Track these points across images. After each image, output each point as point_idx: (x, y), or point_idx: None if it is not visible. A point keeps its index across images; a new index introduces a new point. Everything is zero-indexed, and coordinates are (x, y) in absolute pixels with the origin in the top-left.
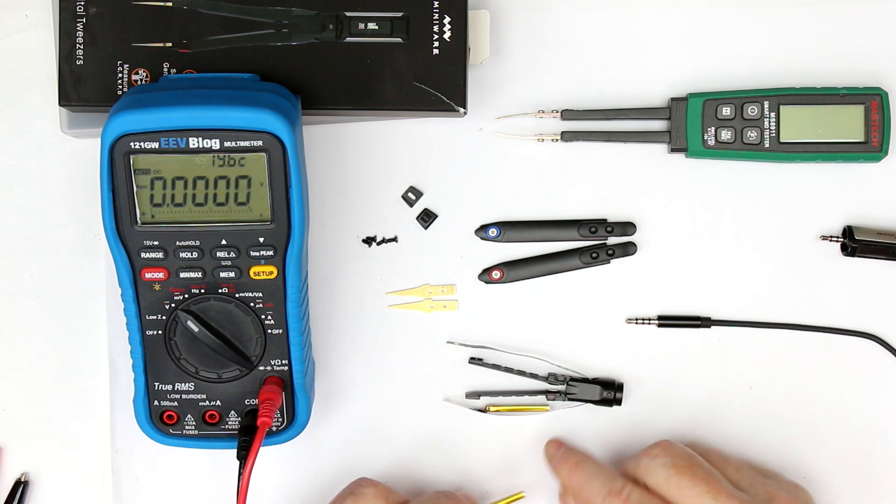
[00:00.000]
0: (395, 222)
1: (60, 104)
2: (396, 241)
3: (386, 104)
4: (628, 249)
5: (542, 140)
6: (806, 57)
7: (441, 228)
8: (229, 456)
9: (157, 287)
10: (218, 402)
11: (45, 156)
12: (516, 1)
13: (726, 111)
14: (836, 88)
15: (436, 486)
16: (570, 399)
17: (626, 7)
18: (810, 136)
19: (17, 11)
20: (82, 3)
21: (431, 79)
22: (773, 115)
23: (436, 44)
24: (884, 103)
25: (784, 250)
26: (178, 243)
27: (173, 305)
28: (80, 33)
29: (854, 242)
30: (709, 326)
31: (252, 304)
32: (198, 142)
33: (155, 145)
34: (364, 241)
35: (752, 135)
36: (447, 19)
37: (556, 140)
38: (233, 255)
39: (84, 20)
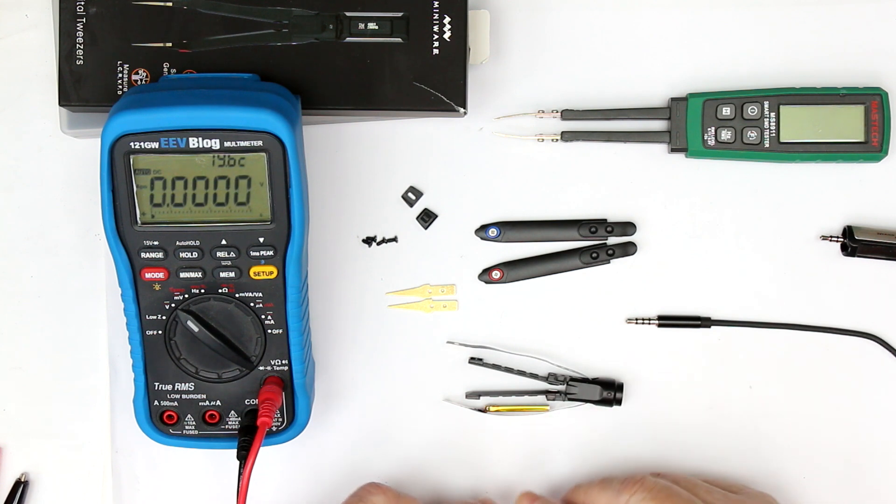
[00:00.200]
0: (395, 222)
1: (60, 104)
2: (396, 241)
3: (386, 104)
4: (628, 249)
5: (542, 140)
6: (806, 57)
7: (441, 228)
8: (229, 456)
9: (157, 287)
10: (218, 402)
11: (45, 156)
12: (516, 1)
13: (726, 111)
14: (836, 88)
15: (436, 487)
16: (570, 399)
17: (626, 7)
18: (810, 136)
19: (17, 11)
20: (82, 3)
21: (431, 79)
22: (773, 115)
23: (436, 44)
24: (884, 103)
25: (784, 250)
26: (178, 243)
27: (173, 305)
28: (80, 33)
29: (854, 242)
30: (709, 326)
31: (252, 304)
32: (198, 142)
33: (155, 145)
34: (364, 241)
35: (752, 135)
36: (447, 19)
37: (556, 140)
38: (233, 255)
39: (84, 20)
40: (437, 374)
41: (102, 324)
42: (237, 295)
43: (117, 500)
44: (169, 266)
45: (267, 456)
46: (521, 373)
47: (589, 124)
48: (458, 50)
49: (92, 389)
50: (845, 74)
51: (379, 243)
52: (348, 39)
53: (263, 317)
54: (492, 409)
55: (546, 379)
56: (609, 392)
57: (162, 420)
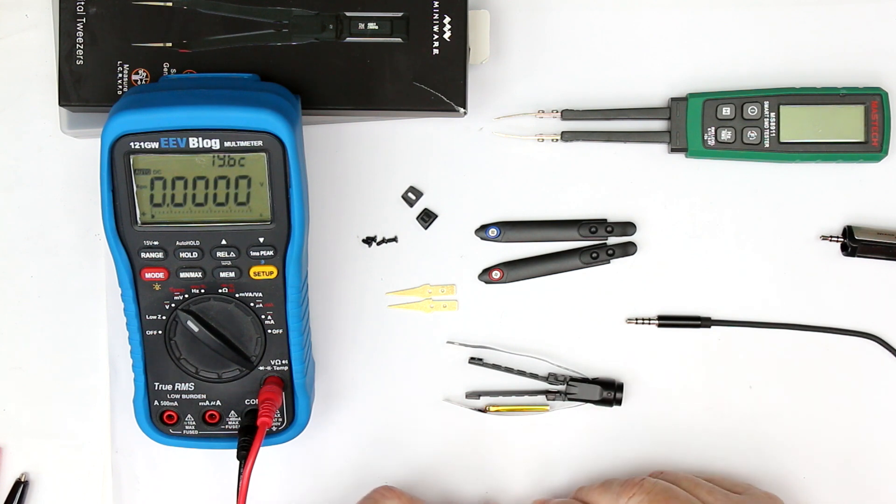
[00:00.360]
0: (395, 222)
1: (60, 104)
2: (396, 241)
3: (386, 104)
4: (628, 249)
5: (542, 140)
6: (806, 57)
7: (441, 228)
8: (229, 456)
9: (157, 287)
10: (218, 402)
11: (45, 156)
12: (516, 1)
13: (726, 111)
14: (836, 88)
15: (436, 487)
16: (570, 399)
17: (626, 7)
18: (810, 136)
19: (17, 11)
20: (82, 3)
21: (431, 79)
22: (773, 115)
23: (436, 44)
24: (884, 103)
25: (784, 250)
26: (178, 243)
27: (173, 305)
28: (80, 33)
29: (854, 242)
30: (709, 326)
31: (252, 304)
32: (198, 142)
33: (155, 145)
34: (364, 241)
35: (752, 135)
36: (447, 19)
37: (556, 140)
38: (233, 255)
39: (84, 20)
40: (437, 374)
41: (102, 324)
42: (237, 295)
43: (117, 500)
44: (169, 266)
45: (267, 456)
46: (521, 373)
47: (589, 124)
48: (458, 50)
49: (92, 389)
50: (845, 74)
51: (379, 243)
52: (348, 39)
53: (263, 317)
54: (492, 409)
55: (546, 379)
56: (609, 392)
57: (162, 420)
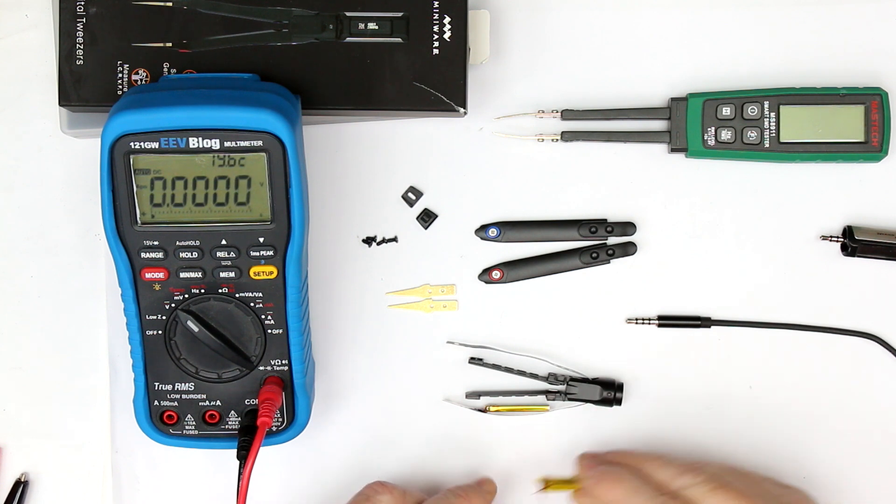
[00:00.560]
0: (395, 222)
1: (60, 104)
2: (396, 241)
3: (386, 104)
4: (628, 249)
5: (542, 140)
6: (806, 57)
7: (441, 228)
8: (229, 456)
9: (157, 287)
10: (218, 402)
11: (45, 156)
12: (516, 1)
13: (726, 111)
14: (836, 88)
15: (436, 487)
16: (570, 399)
17: (626, 7)
18: (810, 136)
19: (17, 11)
20: (82, 3)
21: (431, 79)
22: (773, 115)
23: (436, 44)
24: (884, 103)
25: (784, 250)
26: (178, 243)
27: (173, 305)
28: (80, 33)
29: (854, 242)
30: (709, 326)
31: (252, 304)
32: (198, 142)
33: (155, 145)
34: (364, 241)
35: (752, 135)
36: (447, 19)
37: (556, 140)
38: (233, 255)
39: (84, 20)
40: (437, 374)
41: (102, 324)
42: (237, 295)
43: (117, 500)
44: (169, 266)
45: (267, 456)
46: (521, 373)
47: (589, 124)
48: (458, 50)
49: (92, 389)
50: (845, 74)
51: (379, 243)
52: (348, 39)
53: (263, 317)
54: (492, 409)
55: (546, 379)
56: (609, 392)
57: (162, 420)
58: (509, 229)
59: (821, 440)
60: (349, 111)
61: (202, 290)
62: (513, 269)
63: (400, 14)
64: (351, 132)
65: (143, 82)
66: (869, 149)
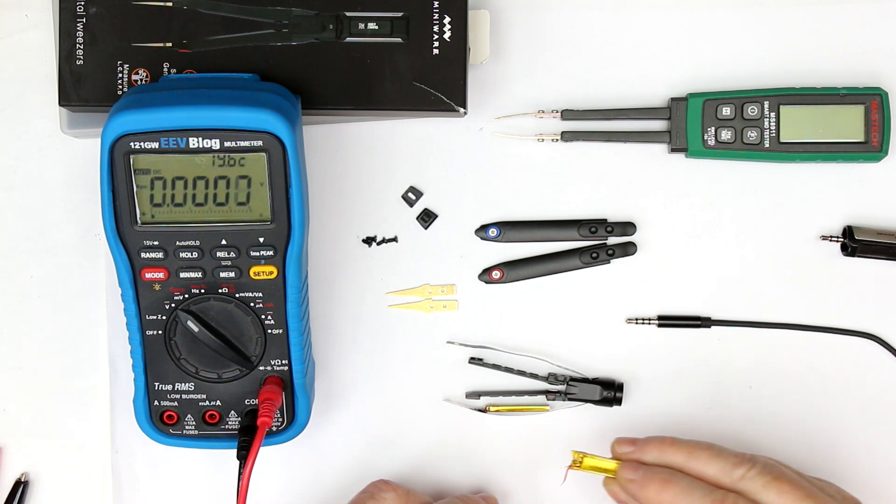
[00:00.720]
0: (395, 222)
1: (60, 104)
2: (396, 241)
3: (386, 104)
4: (628, 249)
5: (542, 140)
6: (806, 57)
7: (441, 228)
8: (229, 456)
9: (157, 287)
10: (218, 402)
11: (45, 156)
12: (516, 1)
13: (726, 111)
14: (836, 88)
15: (436, 487)
16: (570, 399)
17: (626, 7)
18: (810, 136)
19: (17, 11)
20: (82, 3)
21: (431, 79)
22: (773, 115)
23: (436, 44)
24: (884, 103)
25: (784, 250)
26: (178, 243)
27: (173, 305)
28: (80, 33)
29: (854, 242)
30: (709, 326)
31: (252, 304)
32: (198, 142)
33: (155, 145)
34: (364, 241)
35: (752, 135)
36: (447, 19)
37: (556, 140)
38: (233, 255)
39: (84, 20)
40: (437, 374)
41: (102, 324)
42: (237, 295)
43: (117, 500)
44: (169, 266)
45: (267, 456)
46: (521, 373)
47: (589, 124)
48: (458, 50)
49: (92, 389)
50: (845, 74)
51: (379, 243)
52: (348, 39)
53: (263, 317)
54: (492, 409)
55: (546, 379)
56: (609, 392)
57: (162, 420)
58: (509, 229)
59: (821, 440)
60: (349, 111)
61: (202, 290)
62: (513, 269)
63: (400, 14)
64: (351, 132)
65: (143, 82)
66: (869, 149)
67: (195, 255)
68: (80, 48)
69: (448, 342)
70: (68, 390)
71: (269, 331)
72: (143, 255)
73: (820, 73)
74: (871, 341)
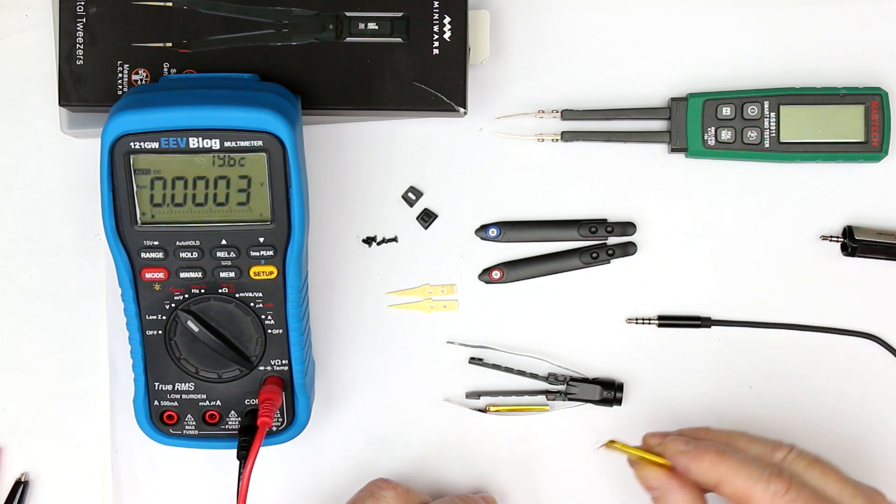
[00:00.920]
0: (395, 222)
1: (60, 104)
2: (396, 241)
3: (386, 104)
4: (628, 249)
5: (542, 140)
6: (806, 57)
7: (441, 228)
8: (229, 456)
9: (157, 287)
10: (218, 402)
11: (45, 156)
12: (516, 1)
13: (726, 111)
14: (836, 88)
15: (436, 487)
16: (570, 399)
17: (626, 7)
18: (810, 136)
19: (17, 11)
20: (82, 3)
21: (431, 79)
22: (773, 115)
23: (436, 44)
24: (884, 103)
25: (784, 250)
26: (178, 243)
27: (173, 305)
28: (80, 33)
29: (854, 242)
30: (709, 326)
31: (252, 304)
32: (198, 142)
33: (155, 145)
34: (364, 241)
35: (752, 135)
36: (447, 19)
37: (556, 140)
38: (233, 255)
39: (84, 20)
40: (437, 374)
41: (102, 324)
42: (237, 295)
43: (117, 500)
44: (169, 266)
45: (267, 456)
46: (521, 373)
47: (589, 124)
48: (458, 50)
49: (92, 389)
50: (845, 74)
51: (379, 243)
52: (348, 39)
53: (263, 317)
54: (492, 409)
55: (546, 379)
56: (609, 392)
57: (162, 420)
58: (509, 229)
59: (821, 440)
60: (349, 111)
61: (202, 290)
62: (513, 269)
63: (400, 14)
64: (351, 132)
65: (143, 82)
66: (869, 149)
67: (195, 255)
68: (80, 48)
69: (448, 342)
70: (68, 390)
71: (269, 331)
72: (143, 255)
73: (820, 73)
74: (871, 341)
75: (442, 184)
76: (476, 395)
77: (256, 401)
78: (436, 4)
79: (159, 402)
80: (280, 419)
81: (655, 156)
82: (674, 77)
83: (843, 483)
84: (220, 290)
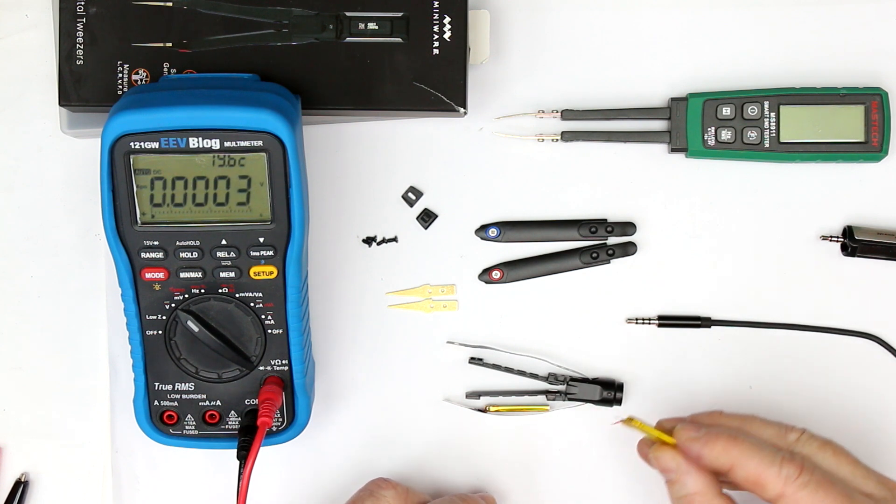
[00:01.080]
0: (395, 222)
1: (60, 104)
2: (396, 241)
3: (386, 104)
4: (628, 249)
5: (542, 140)
6: (806, 57)
7: (441, 228)
8: (229, 456)
9: (157, 287)
10: (218, 402)
11: (45, 156)
12: (516, 1)
13: (726, 111)
14: (836, 88)
15: (436, 487)
16: (570, 399)
17: (626, 7)
18: (810, 136)
19: (17, 11)
20: (82, 3)
21: (431, 79)
22: (773, 115)
23: (436, 44)
24: (884, 103)
25: (784, 250)
26: (178, 243)
27: (173, 305)
28: (80, 33)
29: (854, 242)
30: (709, 326)
31: (252, 304)
32: (198, 142)
33: (155, 145)
34: (364, 241)
35: (752, 135)
36: (447, 19)
37: (556, 140)
38: (233, 255)
39: (84, 20)
40: (437, 374)
41: (102, 324)
42: (237, 295)
43: (117, 500)
44: (169, 266)
45: (267, 456)
46: (521, 373)
47: (589, 124)
48: (458, 50)
49: (92, 389)
50: (845, 74)
51: (379, 243)
52: (348, 39)
53: (263, 317)
54: (492, 409)
55: (546, 379)
56: (609, 392)
57: (162, 420)
58: (509, 229)
59: None
60: (349, 111)
61: (202, 290)
62: (513, 269)
63: (400, 14)
64: (351, 132)
65: (143, 82)
66: (869, 149)
67: (195, 255)
68: (80, 48)
69: (448, 342)
70: (68, 390)
71: (269, 331)
72: (143, 255)
73: (820, 73)
74: (871, 341)
75: (442, 184)
76: (476, 395)
77: (256, 401)
78: (436, 4)
79: (159, 402)
80: (280, 419)
81: (655, 156)
82: (674, 77)
83: (855, 465)
84: (220, 290)
